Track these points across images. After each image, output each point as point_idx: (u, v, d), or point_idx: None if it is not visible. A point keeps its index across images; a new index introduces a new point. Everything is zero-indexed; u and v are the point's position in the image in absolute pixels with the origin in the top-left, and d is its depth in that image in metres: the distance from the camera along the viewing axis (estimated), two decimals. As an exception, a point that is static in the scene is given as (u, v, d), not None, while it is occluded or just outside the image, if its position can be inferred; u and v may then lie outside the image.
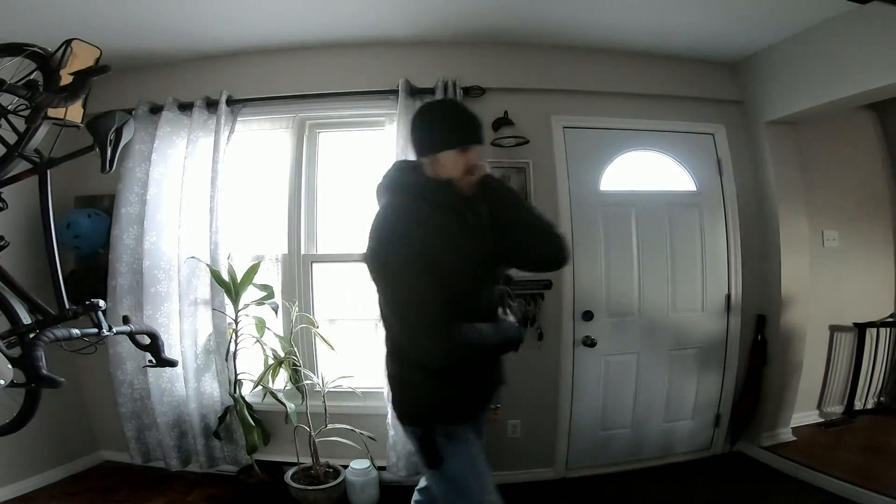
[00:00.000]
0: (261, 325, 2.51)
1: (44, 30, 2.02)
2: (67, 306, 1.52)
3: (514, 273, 2.67)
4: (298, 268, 2.73)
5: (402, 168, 1.40)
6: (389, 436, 2.48)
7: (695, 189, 2.85)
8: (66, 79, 1.41)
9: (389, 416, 2.48)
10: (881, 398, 3.20)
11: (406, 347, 1.24)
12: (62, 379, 1.31)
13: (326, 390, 2.50)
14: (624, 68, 2.78)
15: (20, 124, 1.46)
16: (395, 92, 2.55)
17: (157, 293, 2.56)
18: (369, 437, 2.46)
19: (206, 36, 2.55)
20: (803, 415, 3.02)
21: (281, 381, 2.54)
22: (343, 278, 2.88)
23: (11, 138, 1.48)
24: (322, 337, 2.56)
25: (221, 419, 2.50)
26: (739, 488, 2.52)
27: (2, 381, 1.31)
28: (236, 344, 2.49)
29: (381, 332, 1.38)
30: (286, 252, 2.74)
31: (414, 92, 2.57)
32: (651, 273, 2.75)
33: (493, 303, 1.32)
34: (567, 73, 2.73)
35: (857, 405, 3.11)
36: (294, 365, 2.46)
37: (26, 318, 1.50)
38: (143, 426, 2.65)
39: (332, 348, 2.58)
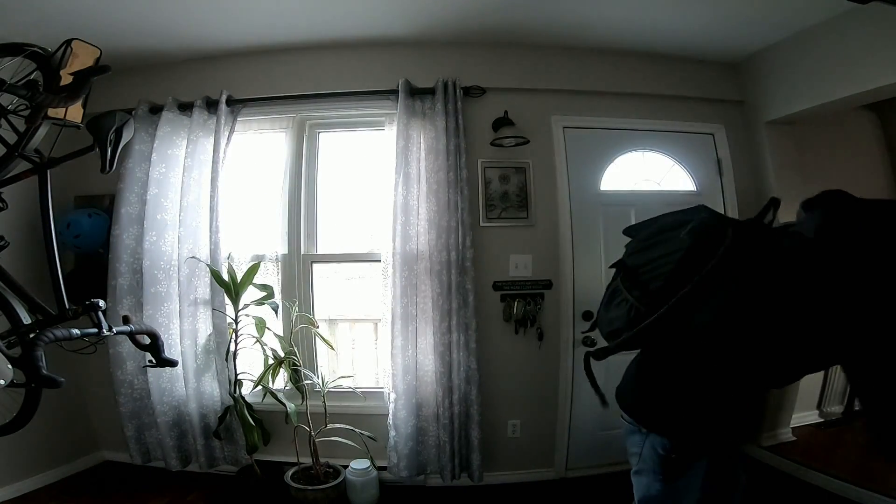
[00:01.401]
0: (261, 325, 2.51)
1: (44, 30, 2.02)
2: (67, 306, 1.52)
3: (513, 272, 2.68)
4: (298, 268, 2.73)
5: None
6: (390, 436, 2.48)
7: (695, 189, 2.85)
8: (66, 79, 1.41)
9: (390, 416, 2.48)
10: (881, 398, 3.19)
11: None
12: (62, 379, 1.31)
13: (326, 390, 2.50)
14: (624, 68, 2.78)
15: (20, 124, 1.45)
16: (395, 92, 2.55)
17: (157, 293, 2.56)
18: (369, 437, 2.46)
19: (207, 36, 2.55)
20: (803, 415, 3.02)
21: (281, 381, 2.54)
22: (343, 278, 2.88)
23: (11, 138, 1.48)
24: (322, 337, 2.56)
25: (221, 419, 2.50)
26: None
27: (2, 381, 1.30)
28: (236, 344, 2.49)
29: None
30: (286, 252, 2.74)
31: (414, 92, 2.57)
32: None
33: None
34: (567, 73, 2.74)
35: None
36: (294, 365, 2.46)
37: (26, 318, 1.50)
38: (143, 426, 2.65)
39: (332, 348, 2.58)
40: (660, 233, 1.20)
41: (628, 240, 1.30)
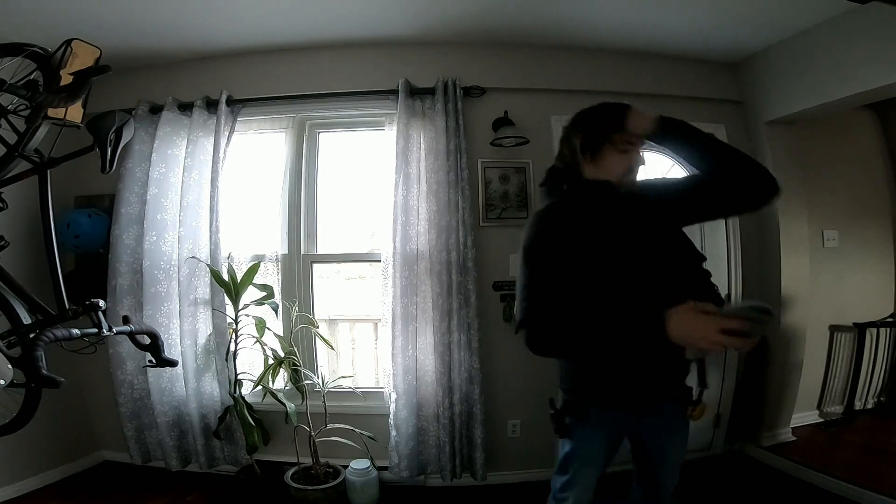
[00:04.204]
0: (261, 325, 2.51)
1: (44, 30, 2.02)
2: (67, 306, 1.52)
3: (514, 272, 2.67)
4: (298, 268, 2.73)
5: None
6: (391, 436, 2.48)
7: (695, 189, 2.85)
8: (66, 79, 1.40)
9: (391, 416, 2.48)
10: (881, 398, 3.20)
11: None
12: (62, 379, 1.31)
13: (326, 390, 2.50)
14: (624, 68, 2.78)
15: (20, 124, 1.45)
16: (394, 92, 2.55)
17: (157, 293, 2.56)
18: (369, 437, 2.46)
19: (207, 36, 2.55)
20: (803, 415, 3.02)
21: (281, 381, 2.54)
22: (343, 278, 2.88)
23: (11, 138, 1.48)
24: (322, 337, 2.56)
25: (221, 419, 2.50)
26: (739, 488, 2.52)
27: (2, 381, 1.30)
28: (236, 344, 2.49)
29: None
30: (286, 252, 2.74)
31: (414, 92, 2.57)
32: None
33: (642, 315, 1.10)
34: (567, 73, 2.73)
35: (857, 405, 3.11)
36: (294, 365, 2.46)
37: (26, 318, 1.49)
38: (143, 426, 2.65)
39: (332, 348, 2.58)
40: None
41: None
